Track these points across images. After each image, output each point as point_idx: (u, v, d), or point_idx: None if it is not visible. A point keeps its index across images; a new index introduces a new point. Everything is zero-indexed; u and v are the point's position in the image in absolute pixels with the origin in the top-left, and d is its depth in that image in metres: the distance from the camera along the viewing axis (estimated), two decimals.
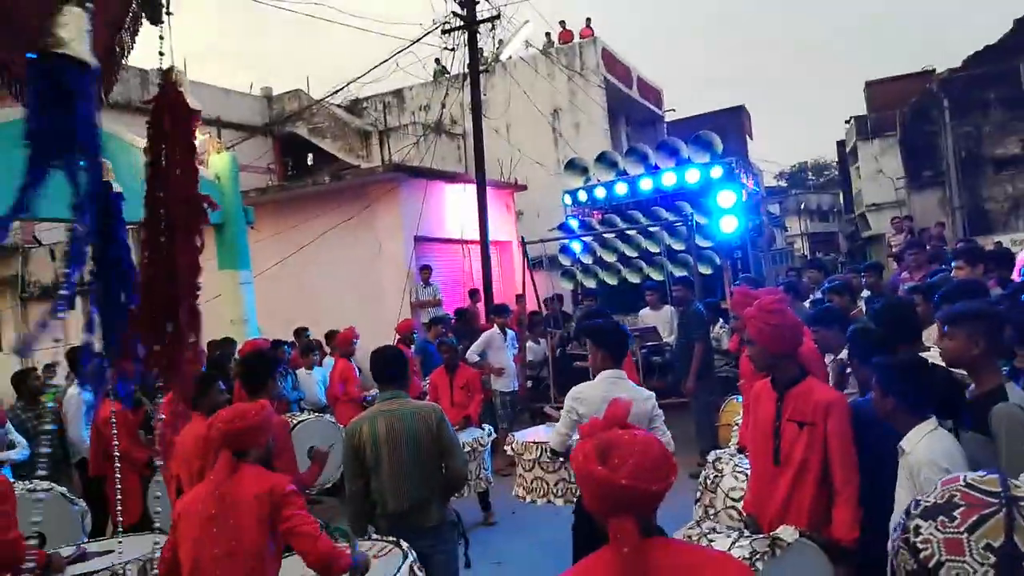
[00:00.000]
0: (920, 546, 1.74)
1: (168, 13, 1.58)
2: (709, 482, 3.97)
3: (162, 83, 1.70)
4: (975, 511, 1.86)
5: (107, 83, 1.51)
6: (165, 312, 1.89)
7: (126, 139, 5.82)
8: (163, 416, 1.95)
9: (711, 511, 3.89)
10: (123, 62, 1.54)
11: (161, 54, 1.70)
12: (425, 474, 3.60)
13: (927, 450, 2.50)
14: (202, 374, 4.58)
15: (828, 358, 4.20)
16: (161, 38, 1.72)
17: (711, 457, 4.22)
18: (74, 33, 1.42)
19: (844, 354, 3.81)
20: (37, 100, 1.49)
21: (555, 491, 5.16)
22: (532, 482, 5.33)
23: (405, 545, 3.22)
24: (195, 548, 2.64)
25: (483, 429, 6.49)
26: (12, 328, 15.89)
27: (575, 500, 4.38)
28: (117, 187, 1.93)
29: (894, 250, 13.19)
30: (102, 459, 5.59)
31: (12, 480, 4.23)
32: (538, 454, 5.19)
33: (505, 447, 5.79)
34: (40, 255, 16.05)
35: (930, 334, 3.97)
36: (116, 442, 4.85)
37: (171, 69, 1.76)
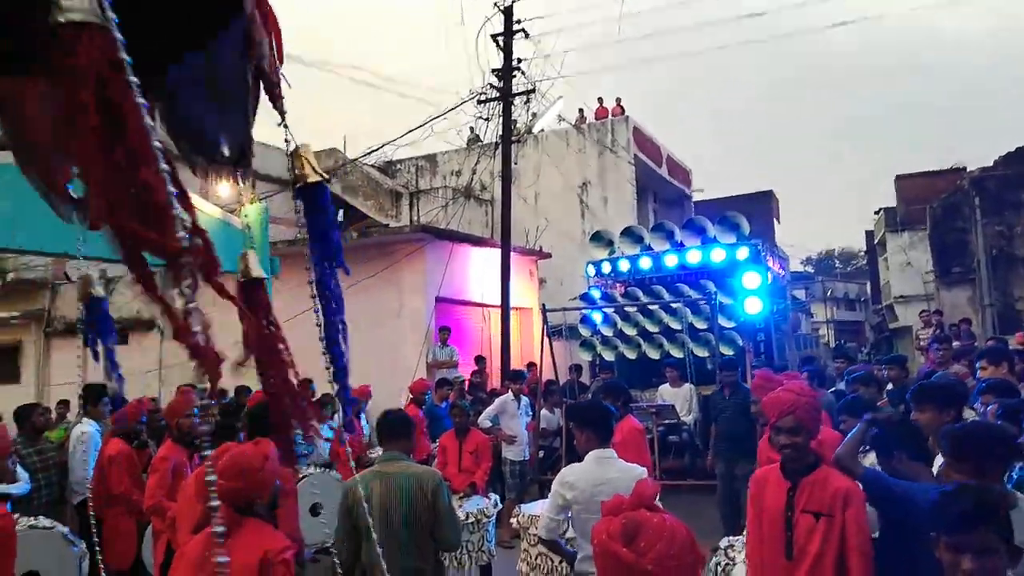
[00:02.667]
0: None
1: (283, 117, 1.50)
2: (720, 570, 3.78)
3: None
4: None
5: None
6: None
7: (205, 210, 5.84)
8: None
9: None
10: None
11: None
12: (418, 543, 3.45)
13: None
14: (221, 426, 4.53)
15: None
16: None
17: (723, 543, 4.03)
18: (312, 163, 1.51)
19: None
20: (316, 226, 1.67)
21: (559, 569, 4.95)
22: (536, 558, 5.12)
23: None
24: None
25: (489, 499, 6.30)
26: (33, 361, 16.02)
27: None
28: None
29: (923, 344, 12.98)
30: (103, 500, 5.48)
31: (14, 514, 4.14)
32: None
33: (511, 520, 5.60)
34: (69, 291, 16.31)
35: None
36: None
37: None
